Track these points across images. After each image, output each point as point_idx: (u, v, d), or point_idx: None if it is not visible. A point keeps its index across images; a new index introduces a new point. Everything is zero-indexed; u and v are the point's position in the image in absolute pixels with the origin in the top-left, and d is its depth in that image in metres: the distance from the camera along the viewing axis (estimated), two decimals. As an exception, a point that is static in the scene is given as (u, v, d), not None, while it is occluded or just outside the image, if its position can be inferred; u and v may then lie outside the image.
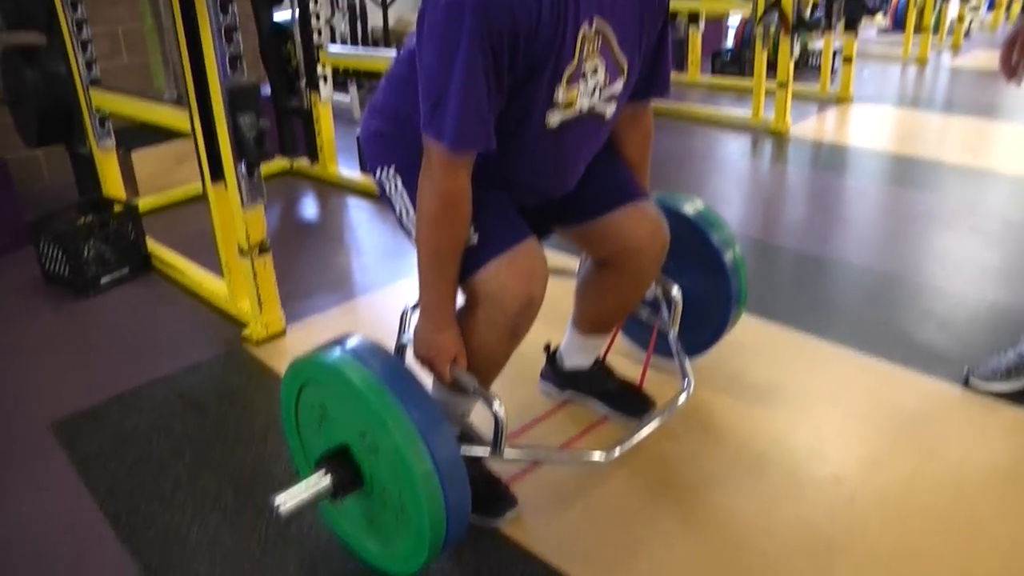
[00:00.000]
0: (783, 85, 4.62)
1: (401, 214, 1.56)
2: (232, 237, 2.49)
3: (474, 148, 1.33)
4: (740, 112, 5.12)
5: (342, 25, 5.63)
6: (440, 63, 1.26)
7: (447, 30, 1.24)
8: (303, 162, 4.25)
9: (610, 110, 1.51)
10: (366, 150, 1.62)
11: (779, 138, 4.67)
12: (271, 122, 4.02)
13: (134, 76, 4.58)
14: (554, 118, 1.42)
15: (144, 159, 3.93)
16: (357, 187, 3.91)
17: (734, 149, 4.60)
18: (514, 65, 1.29)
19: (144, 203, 3.76)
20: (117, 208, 3.18)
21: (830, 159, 4.38)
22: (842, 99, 5.53)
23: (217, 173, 2.40)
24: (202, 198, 2.53)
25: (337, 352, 1.40)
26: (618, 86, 1.48)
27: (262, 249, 2.42)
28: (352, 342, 1.43)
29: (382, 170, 1.57)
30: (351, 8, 5.62)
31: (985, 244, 3.07)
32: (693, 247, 2.01)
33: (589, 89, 1.43)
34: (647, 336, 2.06)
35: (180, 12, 2.19)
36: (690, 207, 2.02)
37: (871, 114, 5.32)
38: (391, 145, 1.55)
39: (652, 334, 2.01)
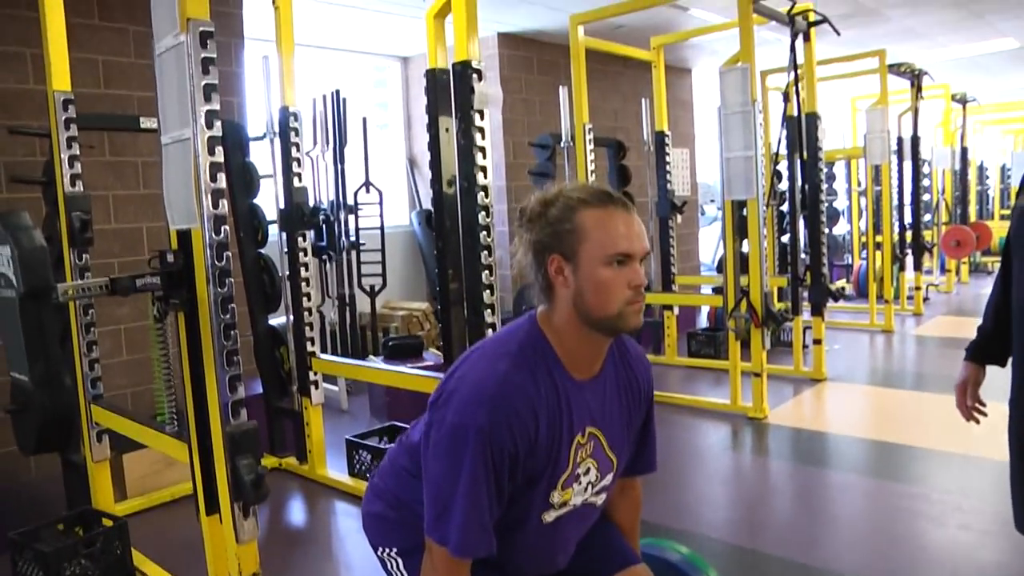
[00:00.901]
0: (758, 375, 4.81)
1: None
2: (224, 567, 2.49)
3: (477, 556, 1.41)
4: (718, 398, 5.28)
5: (331, 312, 5.90)
6: (445, 478, 1.37)
7: (452, 449, 1.37)
8: (292, 460, 4.29)
9: (601, 500, 1.61)
10: (368, 529, 1.70)
11: (758, 425, 4.80)
12: (261, 421, 4.17)
13: (133, 372, 4.74)
14: (550, 516, 1.52)
15: (135, 461, 3.96)
16: (345, 489, 3.94)
17: (715, 440, 4.71)
18: (513, 478, 1.41)
19: (132, 505, 3.77)
20: (106, 522, 3.18)
21: (810, 448, 4.48)
22: (816, 379, 5.74)
23: (212, 508, 2.45)
24: (191, 497, 2.54)
25: None
26: (608, 479, 1.59)
27: (254, 583, 2.42)
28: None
29: (384, 550, 1.64)
30: (340, 297, 5.92)
31: (979, 544, 3.09)
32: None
33: (583, 487, 1.53)
34: None
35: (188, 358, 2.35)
36: (675, 555, 2.07)
37: (846, 394, 5.52)
38: (393, 529, 1.63)
39: None
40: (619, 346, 1.60)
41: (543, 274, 1.46)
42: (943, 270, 10.71)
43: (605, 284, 1.40)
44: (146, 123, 3.82)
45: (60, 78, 3.12)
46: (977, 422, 2.17)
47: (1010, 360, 2.02)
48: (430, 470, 1.42)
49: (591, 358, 1.51)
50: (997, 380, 2.13)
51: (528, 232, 1.47)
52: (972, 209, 11.61)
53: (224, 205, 2.23)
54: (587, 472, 1.52)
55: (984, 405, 2.15)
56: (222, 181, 2.23)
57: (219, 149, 2.20)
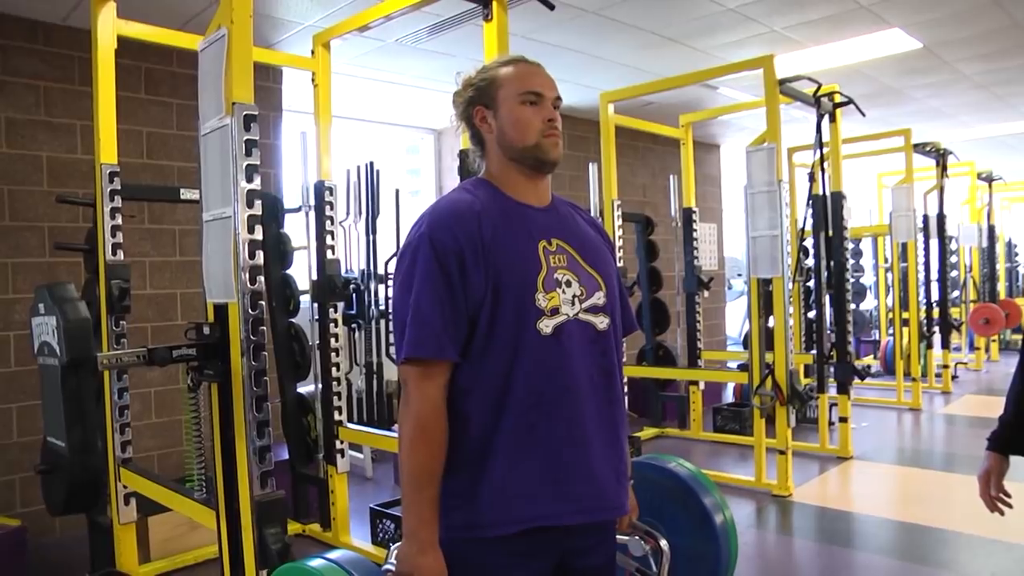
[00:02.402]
0: (783, 452, 4.78)
1: None
2: (246, 639, 2.51)
3: (434, 352, 1.48)
4: (743, 474, 5.24)
5: (359, 380, 5.95)
6: (403, 299, 1.55)
7: (405, 269, 1.54)
8: (315, 526, 4.31)
9: (599, 321, 1.63)
10: None
11: (783, 502, 4.75)
12: (286, 487, 4.21)
13: (161, 434, 4.82)
14: (545, 324, 1.54)
15: (160, 523, 4.00)
16: (369, 558, 3.92)
17: (739, 517, 4.64)
18: (468, 276, 1.50)
19: (155, 567, 3.81)
20: (130, 587, 3.22)
21: (836, 528, 4.41)
22: (843, 456, 5.68)
23: (238, 575, 2.48)
24: (215, 561, 2.58)
25: (321, 562, 1.63)
26: (599, 298, 1.63)
27: (275, 656, 2.42)
28: (337, 555, 1.66)
29: None
30: (367, 365, 5.97)
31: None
32: (684, 509, 2.02)
33: (569, 298, 1.58)
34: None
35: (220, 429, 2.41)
36: (681, 468, 2.07)
37: (873, 473, 5.44)
38: None
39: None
40: (574, 207, 1.78)
41: (473, 128, 1.67)
42: (972, 347, 10.62)
43: (521, 119, 1.61)
44: (186, 194, 3.97)
45: (108, 152, 3.27)
46: (1002, 513, 2.15)
47: None
48: (394, 305, 1.57)
49: (532, 190, 1.66)
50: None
51: (458, 107, 1.69)
52: (1001, 286, 11.55)
53: (261, 281, 2.31)
54: (569, 284, 1.59)
55: (1009, 496, 2.13)
56: (260, 258, 2.33)
57: (258, 227, 2.30)
